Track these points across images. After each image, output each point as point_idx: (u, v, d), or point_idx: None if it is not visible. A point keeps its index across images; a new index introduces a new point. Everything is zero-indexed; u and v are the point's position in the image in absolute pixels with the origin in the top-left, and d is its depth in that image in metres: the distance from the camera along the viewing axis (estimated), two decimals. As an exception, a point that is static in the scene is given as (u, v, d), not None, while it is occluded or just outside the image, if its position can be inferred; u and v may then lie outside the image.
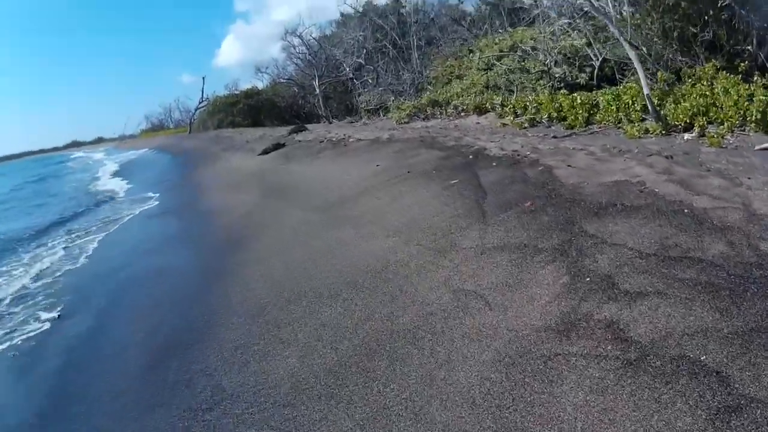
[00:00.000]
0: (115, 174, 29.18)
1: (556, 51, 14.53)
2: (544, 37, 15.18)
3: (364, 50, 25.28)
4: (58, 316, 6.89)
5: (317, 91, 25.95)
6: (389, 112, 20.07)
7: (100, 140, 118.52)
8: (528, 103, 12.39)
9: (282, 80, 34.71)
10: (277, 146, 17.85)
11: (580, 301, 3.92)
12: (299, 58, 32.28)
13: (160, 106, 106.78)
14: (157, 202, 14.77)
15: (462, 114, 14.97)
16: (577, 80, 14.02)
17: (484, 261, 4.87)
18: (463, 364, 3.59)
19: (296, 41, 30.62)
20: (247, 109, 34.31)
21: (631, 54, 9.65)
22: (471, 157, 9.00)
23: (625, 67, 13.08)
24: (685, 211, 4.94)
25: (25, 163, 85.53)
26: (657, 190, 5.58)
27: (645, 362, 3.24)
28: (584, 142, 8.93)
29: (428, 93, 17.94)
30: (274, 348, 4.46)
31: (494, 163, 8.22)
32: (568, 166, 7.33)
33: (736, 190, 5.27)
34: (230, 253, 7.70)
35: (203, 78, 64.84)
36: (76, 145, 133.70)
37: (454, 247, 5.36)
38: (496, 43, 18.90)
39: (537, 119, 11.63)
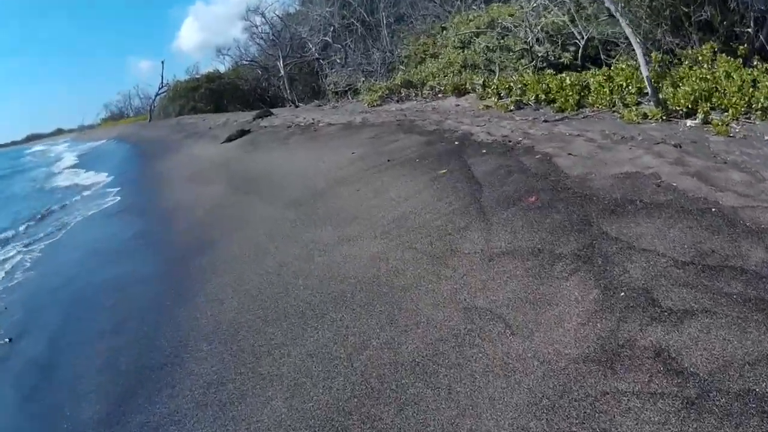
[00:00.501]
0: (74, 167, 27.65)
1: (538, 28, 13.91)
2: (525, 13, 14.51)
3: (332, 27, 24.21)
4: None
5: (282, 72, 24.80)
6: (359, 94, 19.25)
7: (59, 132, 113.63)
8: (512, 84, 11.75)
9: (245, 62, 33.37)
10: (242, 133, 16.93)
11: (618, 322, 3.33)
12: (262, 38, 31.03)
13: (119, 94, 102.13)
14: (117, 198, 13.54)
15: (439, 95, 14.29)
16: (561, 60, 13.47)
17: (494, 270, 4.23)
18: (491, 408, 2.95)
19: (258, 20, 29.38)
20: (209, 94, 32.93)
21: (628, 32, 9.12)
22: (456, 143, 8.35)
23: (610, 47, 12.61)
24: (713, 210, 4.40)
25: None
26: (675, 184, 5.05)
27: (708, 400, 2.71)
28: (579, 127, 8.38)
29: (401, 73, 17.17)
30: (253, 386, 3.72)
31: (484, 150, 7.59)
32: (569, 154, 6.78)
33: (761, 187, 4.77)
34: (197, 258, 6.83)
35: (162, 62, 62.31)
36: (35, 138, 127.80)
37: (455, 252, 4.70)
38: (471, 20, 18.22)
39: (524, 101, 11.02)
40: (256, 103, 29.85)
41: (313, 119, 15.08)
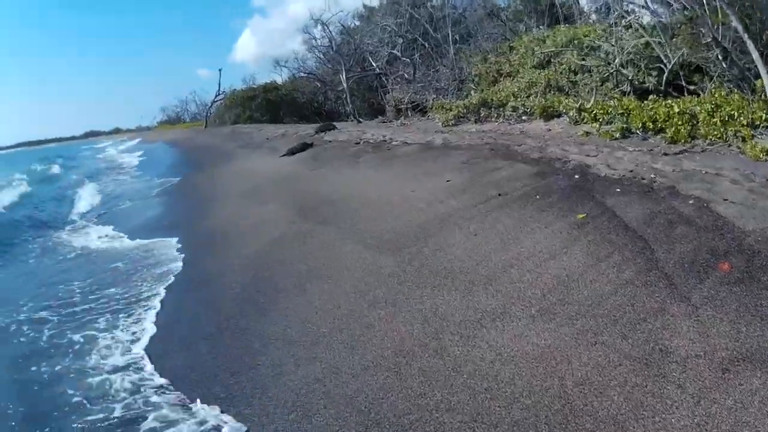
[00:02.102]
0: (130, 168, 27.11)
1: (626, 50, 12.55)
2: (617, 32, 13.16)
3: (401, 40, 23.10)
4: None
5: (344, 85, 23.72)
6: (427, 112, 18.07)
7: (117, 131, 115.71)
8: (612, 109, 10.44)
9: (302, 74, 32.62)
10: (305, 146, 15.86)
11: None
12: (321, 51, 30.25)
13: (176, 99, 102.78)
14: (158, 210, 12.25)
15: (524, 117, 12.96)
16: (645, 84, 12.17)
17: (737, 390, 2.87)
18: None
19: (318, 33, 28.61)
20: (265, 104, 32.18)
21: (755, 56, 7.89)
22: (576, 176, 7.02)
23: (686, 73, 11.63)
24: None
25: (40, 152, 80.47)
26: None
27: None
28: (706, 162, 7.11)
29: (478, 92, 15.92)
30: None
31: (617, 189, 6.25)
32: (725, 200, 5.48)
33: None
34: (261, 321, 4.96)
35: (220, 70, 62.20)
36: (93, 134, 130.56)
37: (666, 354, 3.27)
38: (541, 39, 16.98)
39: (631, 129, 9.65)
40: (312, 116, 29.04)
41: (383, 136, 13.89)
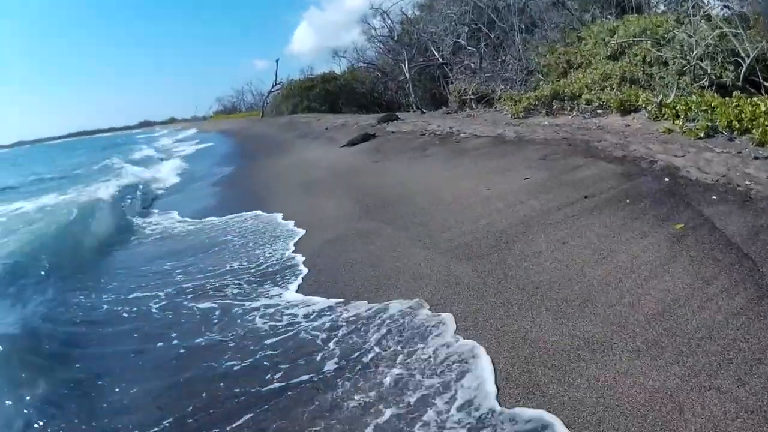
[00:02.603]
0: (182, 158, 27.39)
1: (705, 42, 11.78)
2: (695, 22, 12.38)
3: (467, 29, 22.56)
4: None
5: (406, 75, 23.38)
6: (493, 104, 17.59)
7: (172, 120, 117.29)
8: (693, 105, 9.80)
9: (361, 64, 32.49)
10: (366, 137, 15.67)
11: None
12: (380, 41, 30.00)
13: (232, 89, 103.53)
14: (212, 201, 11.94)
15: (599, 111, 12.38)
16: (722, 79, 11.43)
17: None
18: None
19: (378, 23, 28.41)
20: (324, 94, 32.27)
21: None
22: (666, 179, 6.55)
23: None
24: None
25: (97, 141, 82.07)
26: None
27: None
28: None
29: (548, 84, 15.32)
30: None
31: (714, 197, 5.77)
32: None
33: None
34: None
35: (277, 61, 62.52)
36: (147, 124, 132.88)
37: None
38: (612, 29, 16.22)
39: (716, 128, 9.01)
40: (372, 106, 28.94)
41: (450, 128, 13.56)
